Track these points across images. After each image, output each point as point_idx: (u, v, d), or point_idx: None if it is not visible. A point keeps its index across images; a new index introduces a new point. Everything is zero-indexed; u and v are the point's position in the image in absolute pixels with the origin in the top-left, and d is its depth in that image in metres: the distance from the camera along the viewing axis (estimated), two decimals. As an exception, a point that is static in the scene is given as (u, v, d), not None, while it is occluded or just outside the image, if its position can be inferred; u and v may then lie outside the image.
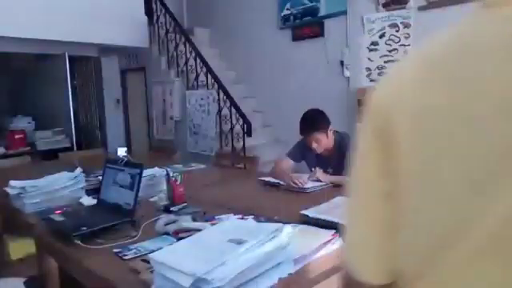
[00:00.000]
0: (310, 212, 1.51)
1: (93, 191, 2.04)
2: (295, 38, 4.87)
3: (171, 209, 1.75)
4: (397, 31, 4.02)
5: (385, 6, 4.06)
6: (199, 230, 1.25)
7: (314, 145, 2.22)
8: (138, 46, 5.17)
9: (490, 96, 0.42)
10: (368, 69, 4.28)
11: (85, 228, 1.46)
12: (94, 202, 1.86)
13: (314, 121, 2.21)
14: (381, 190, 0.53)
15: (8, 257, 2.15)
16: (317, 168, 2.22)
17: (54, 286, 1.64)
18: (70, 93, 4.74)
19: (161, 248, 1.14)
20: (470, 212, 0.43)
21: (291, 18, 4.88)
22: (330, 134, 2.24)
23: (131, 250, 1.33)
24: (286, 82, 5.01)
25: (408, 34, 3.94)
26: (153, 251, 1.12)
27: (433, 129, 0.46)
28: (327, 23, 4.54)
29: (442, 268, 0.46)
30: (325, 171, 2.25)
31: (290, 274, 1.06)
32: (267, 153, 4.43)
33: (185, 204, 1.82)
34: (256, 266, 0.98)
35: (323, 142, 2.21)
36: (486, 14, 0.47)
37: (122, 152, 1.98)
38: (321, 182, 2.15)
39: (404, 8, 3.93)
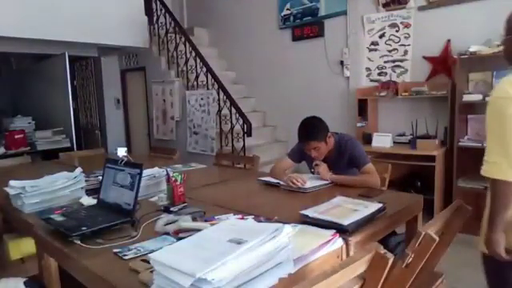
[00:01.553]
0: (310, 212, 1.51)
1: (93, 191, 2.04)
2: (295, 38, 4.87)
3: (171, 209, 1.75)
4: (397, 31, 4.02)
5: (385, 6, 4.06)
6: (199, 230, 1.25)
7: (314, 153, 2.21)
8: (138, 46, 5.17)
9: None
10: (368, 69, 4.28)
11: (85, 228, 1.46)
12: (94, 202, 1.86)
13: (312, 130, 2.20)
14: None
15: (8, 257, 2.15)
16: (322, 163, 2.21)
17: (53, 286, 1.63)
18: (70, 93, 4.73)
19: (161, 248, 1.14)
20: None
21: (291, 17, 4.89)
22: (329, 140, 2.23)
23: (131, 249, 1.33)
24: (286, 81, 5.02)
25: (408, 33, 3.94)
26: (153, 251, 1.12)
27: None
28: (327, 23, 4.54)
29: None
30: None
31: (290, 274, 1.06)
32: (267, 153, 4.43)
33: (185, 204, 1.82)
34: (256, 265, 0.98)
35: (322, 149, 2.21)
36: None
37: (121, 152, 1.98)
38: (321, 181, 2.15)
39: (404, 8, 3.93)
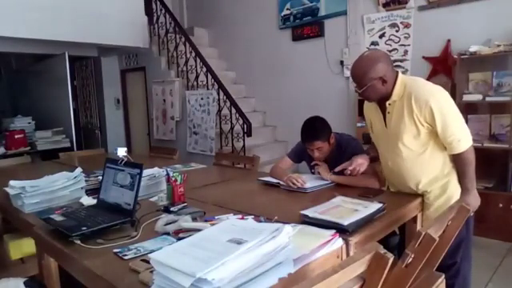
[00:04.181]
0: (310, 212, 1.51)
1: (93, 191, 2.05)
2: (295, 38, 4.87)
3: (171, 209, 1.75)
4: (397, 31, 4.02)
5: (385, 6, 4.06)
6: (199, 230, 1.25)
7: (316, 153, 2.21)
8: (138, 46, 5.17)
9: None
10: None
11: (85, 228, 1.46)
12: (94, 202, 1.86)
13: (316, 130, 2.19)
14: None
15: (8, 257, 2.15)
16: (323, 164, 2.21)
17: (53, 286, 1.64)
18: (70, 93, 4.73)
19: (161, 248, 1.14)
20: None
21: (291, 17, 4.89)
22: (332, 140, 2.23)
23: (131, 249, 1.33)
24: (286, 81, 5.02)
25: (408, 33, 3.94)
26: (153, 251, 1.12)
27: None
28: (327, 23, 4.55)
29: None
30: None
31: (290, 274, 1.06)
32: (267, 153, 4.43)
33: (185, 204, 1.82)
34: (256, 265, 0.98)
35: (325, 149, 2.20)
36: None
37: (121, 152, 1.97)
38: (321, 181, 2.15)
39: (404, 8, 3.93)
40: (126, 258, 1.27)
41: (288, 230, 1.07)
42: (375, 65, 1.74)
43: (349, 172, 2.00)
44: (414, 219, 1.84)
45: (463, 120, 1.76)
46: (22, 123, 4.96)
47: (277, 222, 1.35)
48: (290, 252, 1.07)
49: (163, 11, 5.19)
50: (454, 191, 1.82)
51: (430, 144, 1.79)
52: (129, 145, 6.09)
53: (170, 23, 5.10)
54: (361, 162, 2.00)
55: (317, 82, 4.67)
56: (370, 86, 1.76)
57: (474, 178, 1.77)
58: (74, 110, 5.06)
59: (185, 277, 0.89)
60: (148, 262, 1.11)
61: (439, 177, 1.83)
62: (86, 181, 2.09)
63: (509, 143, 3.16)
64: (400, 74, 1.81)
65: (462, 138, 1.72)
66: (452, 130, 1.70)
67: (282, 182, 2.17)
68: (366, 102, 2.03)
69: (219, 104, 4.49)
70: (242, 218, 1.54)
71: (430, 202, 1.86)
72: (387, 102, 1.82)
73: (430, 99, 1.70)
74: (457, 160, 1.78)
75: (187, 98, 4.89)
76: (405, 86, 1.78)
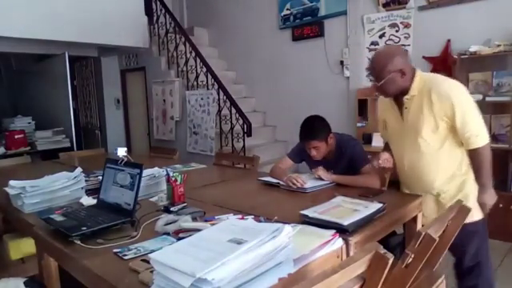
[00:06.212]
0: (310, 212, 1.51)
1: (93, 191, 2.04)
2: (295, 38, 4.87)
3: (171, 209, 1.75)
4: (397, 31, 4.02)
5: (385, 6, 4.06)
6: (199, 230, 1.25)
7: (313, 152, 2.20)
8: (138, 46, 5.17)
9: None
10: (368, 69, 4.27)
11: (85, 228, 1.46)
12: (94, 202, 1.86)
13: (314, 129, 2.19)
14: None
15: (8, 257, 2.15)
16: (319, 167, 2.21)
17: (53, 286, 1.63)
18: (70, 93, 4.73)
19: (161, 248, 1.14)
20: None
21: (291, 17, 4.89)
22: (331, 140, 2.22)
23: (131, 250, 1.33)
24: (286, 81, 5.02)
25: (408, 33, 3.95)
26: (153, 251, 1.12)
27: None
28: (327, 23, 4.55)
29: None
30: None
31: (290, 274, 1.06)
32: (267, 153, 4.43)
33: (185, 204, 1.82)
34: (256, 265, 0.98)
35: (322, 149, 2.20)
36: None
37: (121, 152, 1.97)
38: (321, 181, 2.15)
39: (404, 8, 3.93)
40: (125, 258, 1.27)
41: (288, 230, 1.07)
42: (393, 58, 1.77)
43: (378, 166, 1.97)
44: (414, 219, 1.84)
45: (481, 116, 1.76)
46: (22, 123, 4.96)
47: (277, 221, 1.35)
48: (290, 252, 1.07)
49: (163, 11, 5.19)
50: (470, 191, 1.82)
51: (448, 139, 1.79)
52: (129, 145, 6.09)
53: (170, 23, 5.10)
54: (386, 157, 1.97)
55: (317, 82, 4.67)
56: (390, 78, 1.77)
57: (490, 174, 1.78)
58: (74, 109, 5.06)
59: (185, 277, 0.89)
60: (148, 262, 1.11)
61: (456, 174, 1.83)
62: (86, 181, 2.09)
63: (509, 143, 3.16)
64: (418, 70, 1.83)
65: (480, 133, 1.73)
66: (471, 125, 1.72)
67: (281, 182, 2.17)
68: (380, 102, 2.03)
69: (219, 104, 4.49)
70: (242, 218, 1.54)
71: (446, 202, 1.82)
72: (405, 97, 1.83)
73: (451, 94, 1.72)
74: (473, 156, 1.79)
75: (187, 98, 4.88)
76: (424, 81, 1.79)
